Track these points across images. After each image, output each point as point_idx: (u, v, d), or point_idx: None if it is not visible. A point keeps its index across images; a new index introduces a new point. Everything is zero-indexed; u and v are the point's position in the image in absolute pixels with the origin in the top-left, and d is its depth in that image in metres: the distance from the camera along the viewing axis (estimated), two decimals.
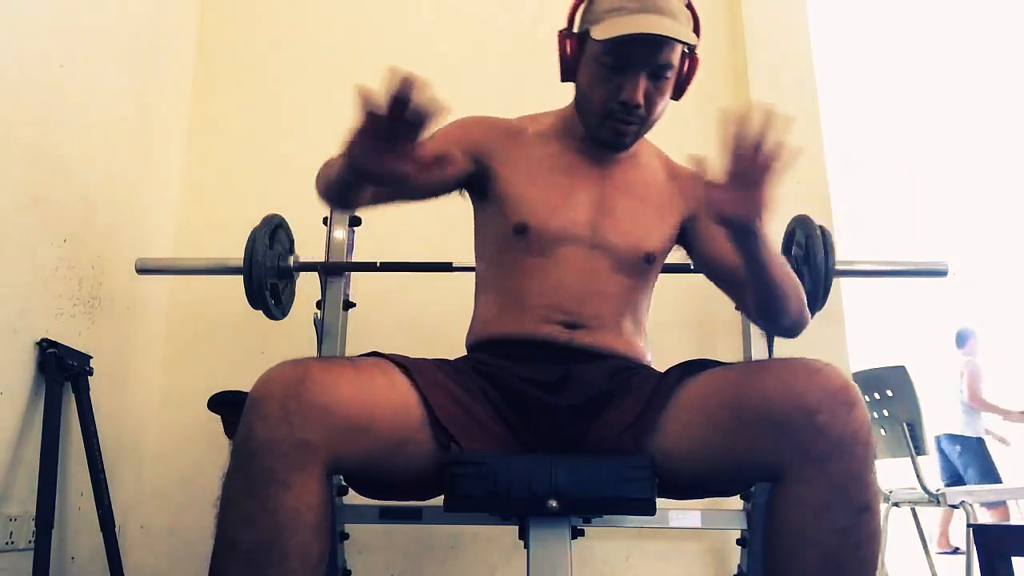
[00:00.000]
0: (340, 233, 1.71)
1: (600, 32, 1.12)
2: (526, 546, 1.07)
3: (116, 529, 1.63)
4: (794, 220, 1.69)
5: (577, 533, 1.17)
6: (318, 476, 0.88)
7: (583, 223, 1.23)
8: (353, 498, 1.65)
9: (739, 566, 1.69)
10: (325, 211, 1.73)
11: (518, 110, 1.39)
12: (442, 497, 1.05)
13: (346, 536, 1.66)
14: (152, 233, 2.05)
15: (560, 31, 1.23)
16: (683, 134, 2.19)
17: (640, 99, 1.15)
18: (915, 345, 5.04)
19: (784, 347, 1.73)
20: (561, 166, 1.27)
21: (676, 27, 1.12)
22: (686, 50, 1.19)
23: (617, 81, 1.15)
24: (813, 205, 1.93)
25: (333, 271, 1.67)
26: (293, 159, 2.20)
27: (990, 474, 4.16)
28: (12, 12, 1.52)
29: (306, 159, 2.19)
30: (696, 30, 1.20)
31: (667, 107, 1.23)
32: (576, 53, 1.22)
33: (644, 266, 1.26)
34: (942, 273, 1.72)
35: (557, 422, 1.13)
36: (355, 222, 1.75)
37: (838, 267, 1.59)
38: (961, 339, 4.67)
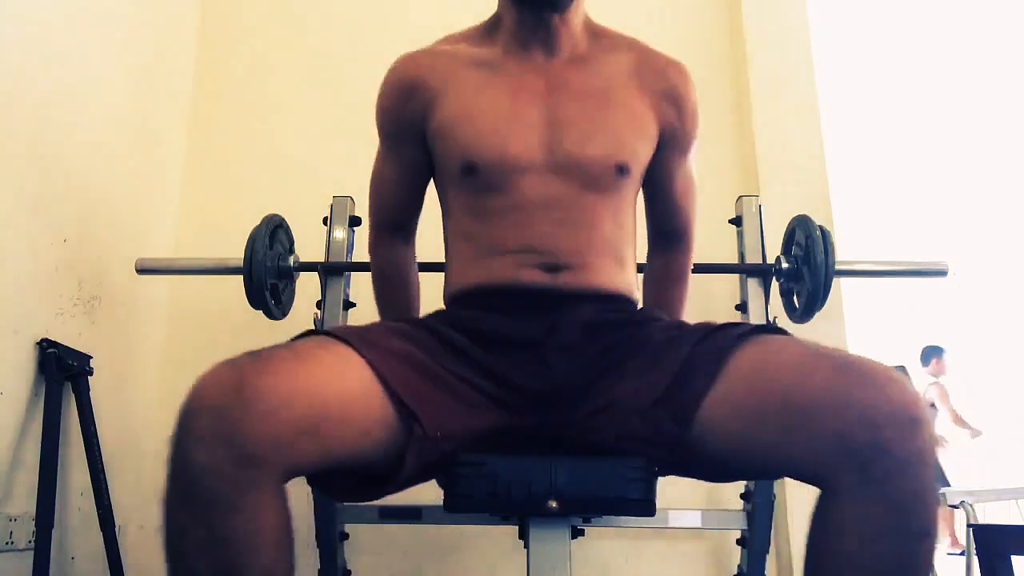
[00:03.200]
0: (340, 233, 1.71)
1: None
2: (526, 546, 1.06)
3: (116, 529, 1.63)
4: (794, 220, 1.69)
5: (577, 533, 1.17)
6: (272, 490, 0.77)
7: (537, 145, 1.07)
8: None
9: (739, 566, 1.69)
10: (325, 211, 1.73)
11: None
12: (442, 497, 1.05)
13: (346, 536, 1.66)
14: (152, 233, 2.05)
15: None
16: None
17: None
18: (915, 345, 5.04)
19: None
20: (497, 84, 1.10)
21: None
22: None
23: None
24: (813, 205, 1.94)
25: (333, 271, 1.67)
26: (293, 159, 2.21)
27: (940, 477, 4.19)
28: (12, 12, 1.52)
29: (306, 159, 2.22)
30: None
31: None
32: None
33: (618, 180, 1.09)
34: (942, 273, 1.72)
35: (553, 381, 1.01)
36: (355, 222, 1.76)
37: (838, 267, 1.59)
38: (926, 357, 4.63)
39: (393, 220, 1.27)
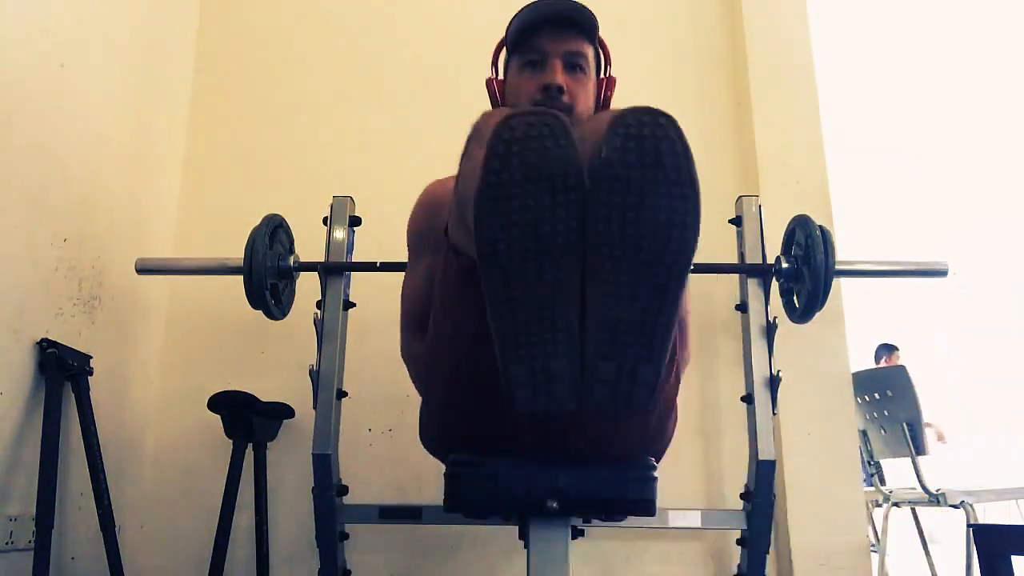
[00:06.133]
0: (340, 233, 1.71)
1: (510, 36, 1.25)
2: (526, 546, 1.07)
3: (116, 529, 1.63)
4: (794, 220, 1.69)
5: (577, 533, 1.17)
6: None
7: None
8: (353, 498, 1.66)
9: (739, 566, 1.69)
10: (325, 211, 1.74)
11: None
12: (442, 497, 1.04)
13: (346, 536, 1.66)
14: (152, 233, 2.05)
15: (487, 79, 1.37)
16: (685, 133, 2.20)
17: (559, 79, 1.21)
18: (915, 345, 5.05)
19: (785, 349, 1.74)
20: None
21: (579, 9, 1.22)
22: (599, 52, 1.30)
23: (537, 77, 1.23)
24: (813, 205, 1.94)
25: (333, 271, 1.67)
26: (293, 159, 2.21)
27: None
28: (12, 12, 1.52)
29: (306, 159, 2.21)
30: (604, 51, 1.33)
31: (590, 111, 1.27)
32: (503, 88, 1.33)
33: None
34: (942, 273, 1.73)
35: None
36: (355, 222, 1.76)
37: (838, 267, 1.59)
38: (878, 355, 4.67)
39: (420, 320, 1.31)
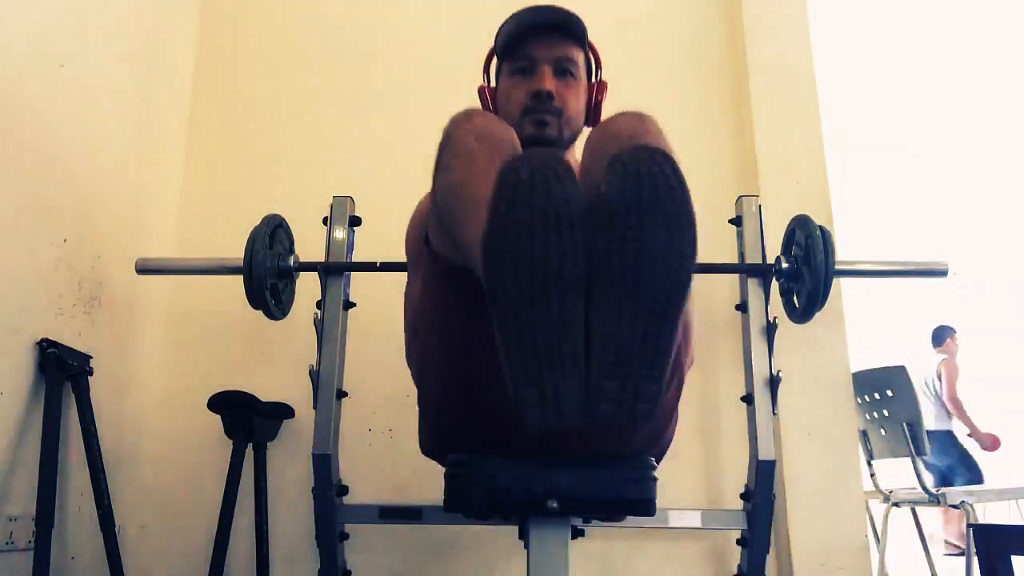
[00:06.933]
0: (340, 233, 1.71)
1: (500, 43, 1.29)
2: (526, 546, 1.07)
3: (116, 529, 1.63)
4: (794, 220, 1.69)
5: (577, 533, 1.17)
6: None
7: None
8: (353, 498, 1.66)
9: (739, 566, 1.69)
10: (325, 211, 1.74)
11: None
12: (442, 497, 1.05)
13: (346, 536, 1.66)
14: (152, 233, 2.05)
15: (479, 87, 1.39)
16: (685, 132, 2.20)
17: (548, 85, 1.25)
18: (915, 345, 5.04)
19: (785, 349, 1.74)
20: None
21: (568, 15, 1.25)
22: (589, 57, 1.33)
23: (526, 83, 1.27)
24: (813, 205, 1.94)
25: (333, 271, 1.67)
26: (293, 159, 2.21)
27: (963, 462, 4.18)
28: (12, 12, 1.52)
29: (306, 159, 2.21)
30: (595, 56, 1.35)
31: (580, 115, 1.31)
32: (495, 94, 1.35)
33: None
34: (942, 273, 1.73)
35: None
36: (355, 222, 1.76)
37: (838, 267, 1.59)
38: (937, 338, 4.66)
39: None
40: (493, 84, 1.39)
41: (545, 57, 1.26)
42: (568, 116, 1.28)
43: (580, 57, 1.30)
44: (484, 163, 0.97)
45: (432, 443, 1.25)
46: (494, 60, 1.38)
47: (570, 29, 1.27)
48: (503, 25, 1.30)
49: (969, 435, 4.37)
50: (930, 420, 4.34)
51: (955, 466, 4.18)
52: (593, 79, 1.36)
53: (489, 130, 1.04)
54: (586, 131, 1.33)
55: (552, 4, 1.27)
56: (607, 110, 1.27)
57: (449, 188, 1.00)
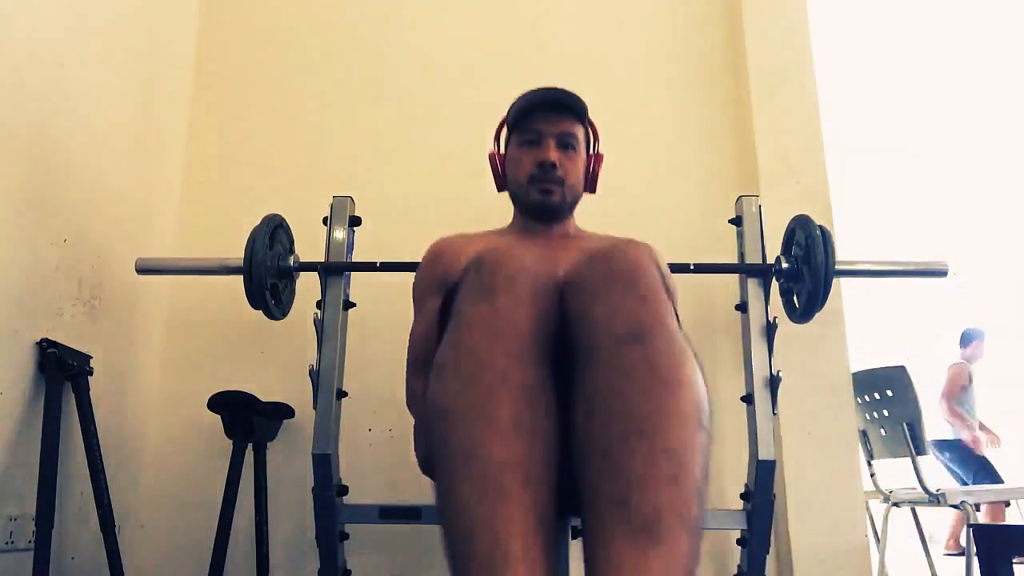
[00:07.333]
0: (340, 233, 1.71)
1: (511, 117, 1.44)
2: None
3: (116, 529, 1.63)
4: (794, 220, 1.69)
5: (577, 533, 1.16)
6: None
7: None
8: (353, 498, 1.66)
9: (739, 566, 1.69)
10: (325, 211, 1.74)
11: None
12: None
13: (346, 536, 1.66)
14: (152, 233, 2.05)
15: (489, 153, 1.54)
16: (685, 133, 2.20)
17: (552, 156, 1.40)
18: (915, 345, 5.04)
19: (785, 349, 1.74)
20: (511, 239, 1.43)
21: (571, 96, 1.41)
22: (588, 132, 1.48)
23: (533, 154, 1.42)
24: (813, 205, 1.94)
25: (333, 271, 1.67)
26: (293, 159, 2.21)
27: (983, 469, 4.17)
28: (12, 12, 1.52)
29: (306, 159, 2.21)
30: (594, 131, 1.51)
31: (580, 183, 1.46)
32: (504, 162, 1.51)
33: None
34: (942, 273, 1.73)
35: None
36: (355, 222, 1.76)
37: (838, 267, 1.59)
38: (965, 339, 4.63)
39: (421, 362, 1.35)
40: (502, 151, 1.53)
41: (550, 131, 1.42)
42: (569, 184, 1.43)
43: (581, 132, 1.45)
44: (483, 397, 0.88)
45: (429, 464, 1.25)
46: (503, 131, 1.52)
47: (573, 108, 1.42)
48: (515, 102, 1.45)
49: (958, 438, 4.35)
50: (947, 428, 4.34)
51: (978, 474, 4.17)
52: (591, 151, 1.51)
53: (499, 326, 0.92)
54: (586, 197, 1.51)
55: (558, 87, 1.43)
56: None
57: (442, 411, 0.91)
